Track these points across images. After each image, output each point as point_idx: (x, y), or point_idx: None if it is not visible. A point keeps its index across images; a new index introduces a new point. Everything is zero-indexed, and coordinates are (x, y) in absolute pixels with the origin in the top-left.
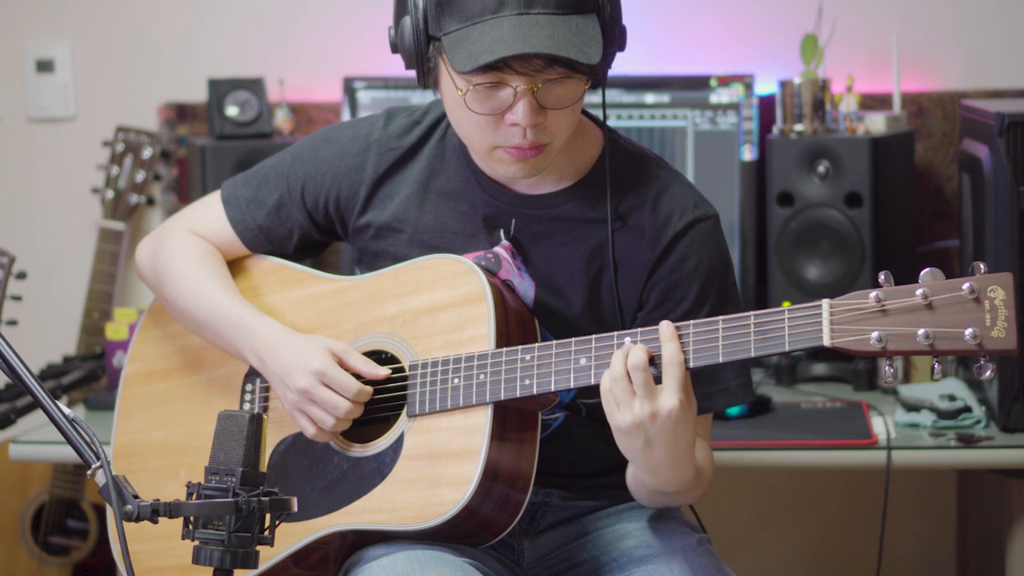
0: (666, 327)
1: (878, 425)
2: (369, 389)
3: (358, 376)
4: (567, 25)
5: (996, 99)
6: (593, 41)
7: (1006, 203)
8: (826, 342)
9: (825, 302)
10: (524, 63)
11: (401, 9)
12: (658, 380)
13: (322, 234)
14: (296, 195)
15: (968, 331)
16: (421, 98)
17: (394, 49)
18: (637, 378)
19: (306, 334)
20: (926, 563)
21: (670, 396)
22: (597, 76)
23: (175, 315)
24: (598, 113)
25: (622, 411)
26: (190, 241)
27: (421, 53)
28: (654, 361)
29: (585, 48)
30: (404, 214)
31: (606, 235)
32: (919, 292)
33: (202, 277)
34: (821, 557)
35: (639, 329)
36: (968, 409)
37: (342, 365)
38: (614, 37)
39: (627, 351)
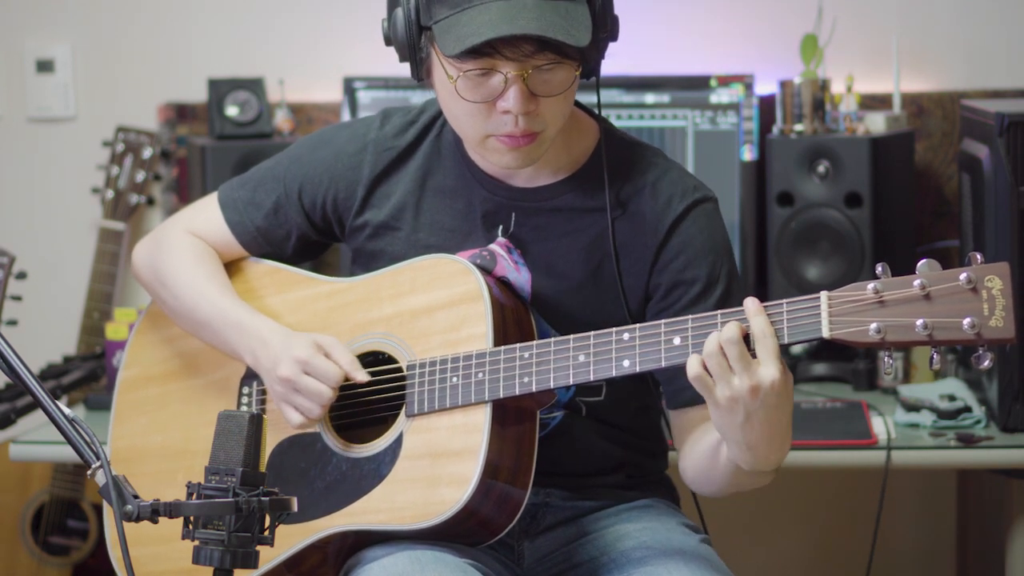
0: (751, 302)
1: (878, 425)
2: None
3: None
4: (556, 9)
5: (996, 99)
6: (582, 25)
7: (1006, 203)
8: (825, 334)
9: (823, 294)
10: (513, 48)
11: (393, 1)
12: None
13: (320, 235)
14: (293, 197)
15: (966, 321)
16: (421, 98)
17: (387, 42)
18: (732, 352)
19: (300, 332)
20: (926, 563)
21: (769, 368)
22: (589, 64)
23: (171, 316)
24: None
25: (719, 386)
26: (188, 242)
27: (413, 43)
28: (746, 339)
29: (573, 31)
30: (401, 213)
31: (606, 224)
32: (917, 283)
33: (200, 278)
34: (821, 557)
35: (637, 325)
36: (968, 409)
37: (329, 357)
38: (606, 25)
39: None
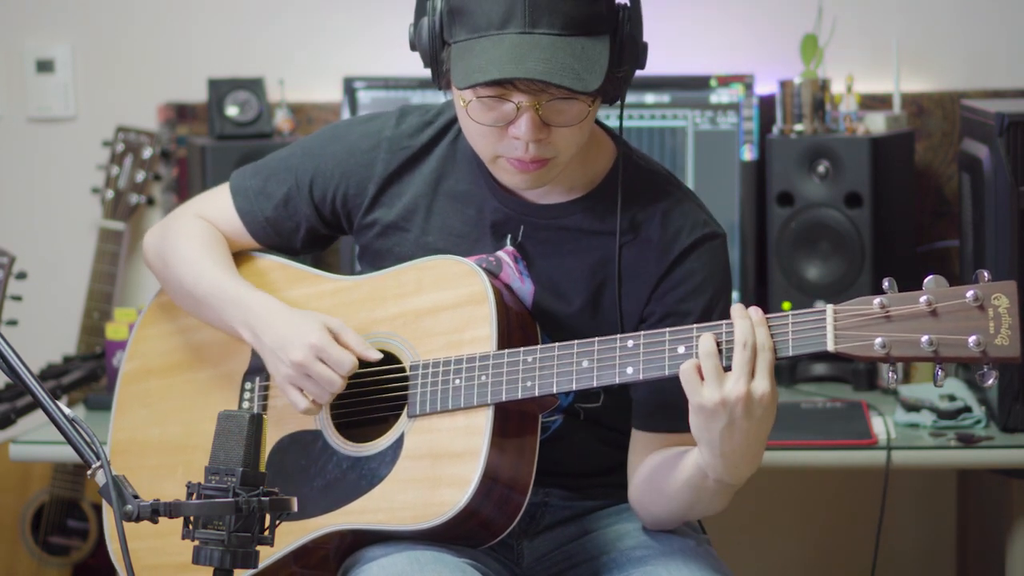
0: (756, 312)
1: (878, 425)
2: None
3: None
4: (570, 48)
5: (996, 99)
6: (595, 66)
7: (1006, 203)
8: (830, 347)
9: (829, 308)
10: (526, 82)
11: (421, 9)
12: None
13: (328, 229)
14: (304, 189)
15: (972, 338)
16: (421, 99)
17: (413, 47)
18: (742, 357)
19: (301, 309)
20: (926, 563)
21: (763, 381)
22: (608, 95)
23: (174, 297)
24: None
25: (709, 388)
26: (197, 224)
27: (436, 56)
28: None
29: (584, 74)
30: (412, 214)
31: (613, 247)
32: (923, 299)
33: (204, 257)
34: (821, 557)
35: (641, 332)
36: (968, 409)
37: (337, 341)
38: (634, 56)
39: (716, 336)
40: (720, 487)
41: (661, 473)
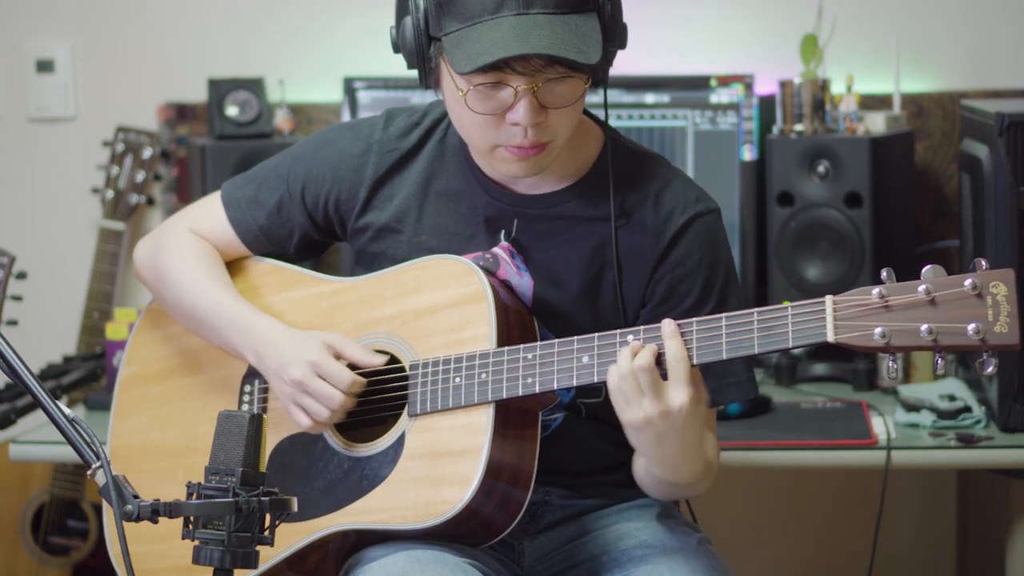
0: (668, 325)
1: (878, 425)
2: (363, 380)
3: (356, 367)
4: (566, 25)
5: (996, 99)
6: (592, 40)
7: (1006, 203)
8: (830, 338)
9: (828, 298)
10: (524, 63)
11: (402, 9)
12: (665, 377)
13: (322, 235)
14: (296, 196)
15: (971, 326)
16: (421, 98)
17: (396, 49)
18: (644, 378)
19: (304, 330)
20: (926, 563)
21: (678, 393)
22: (598, 75)
23: (173, 314)
24: (600, 111)
25: (632, 408)
26: (189, 240)
27: (422, 53)
28: (660, 359)
29: (584, 48)
30: (404, 215)
31: (608, 233)
32: (922, 288)
33: (200, 276)
34: (821, 557)
35: (642, 327)
36: (968, 409)
37: (339, 357)
38: (615, 35)
39: (634, 350)
40: (674, 484)
41: (640, 471)
